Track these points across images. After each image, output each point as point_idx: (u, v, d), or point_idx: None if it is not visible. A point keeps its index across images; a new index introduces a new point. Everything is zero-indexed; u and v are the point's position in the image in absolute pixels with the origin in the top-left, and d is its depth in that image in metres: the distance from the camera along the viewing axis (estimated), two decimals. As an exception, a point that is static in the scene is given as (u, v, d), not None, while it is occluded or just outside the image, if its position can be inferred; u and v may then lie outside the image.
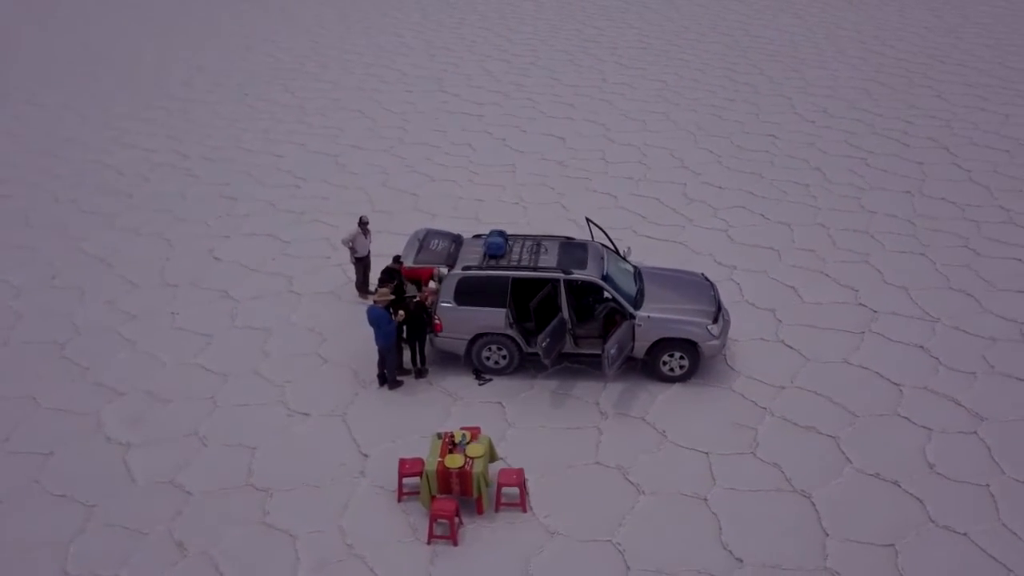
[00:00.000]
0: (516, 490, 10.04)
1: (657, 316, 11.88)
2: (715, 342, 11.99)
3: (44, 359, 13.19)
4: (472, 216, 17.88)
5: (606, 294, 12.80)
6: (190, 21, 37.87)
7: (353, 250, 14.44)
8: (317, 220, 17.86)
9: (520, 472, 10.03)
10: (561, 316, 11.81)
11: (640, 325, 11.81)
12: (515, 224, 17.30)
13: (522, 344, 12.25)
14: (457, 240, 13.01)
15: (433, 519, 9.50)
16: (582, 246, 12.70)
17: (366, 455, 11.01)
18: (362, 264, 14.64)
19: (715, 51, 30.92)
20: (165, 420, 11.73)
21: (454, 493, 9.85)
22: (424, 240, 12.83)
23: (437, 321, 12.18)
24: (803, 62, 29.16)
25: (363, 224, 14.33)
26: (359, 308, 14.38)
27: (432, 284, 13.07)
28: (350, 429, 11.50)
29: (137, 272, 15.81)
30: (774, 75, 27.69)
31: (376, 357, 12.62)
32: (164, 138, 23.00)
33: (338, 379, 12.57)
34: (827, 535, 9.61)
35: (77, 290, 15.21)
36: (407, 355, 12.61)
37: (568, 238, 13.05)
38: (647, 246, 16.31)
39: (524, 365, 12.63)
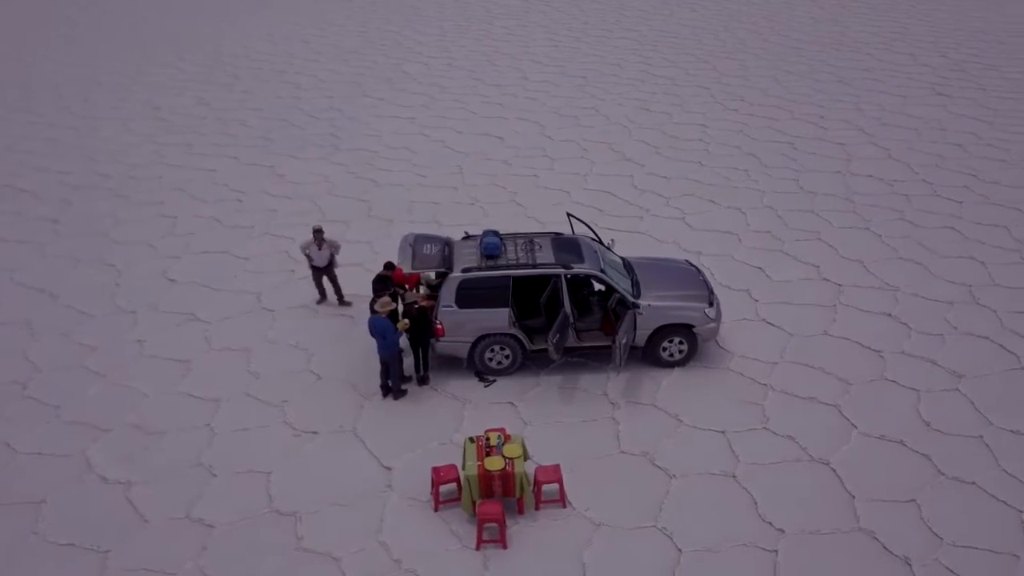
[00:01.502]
0: (555, 486, 10.05)
1: (657, 304, 12.14)
2: (713, 325, 12.37)
3: (7, 402, 12.14)
4: (431, 219, 17.67)
5: (597, 286, 13.02)
6: (81, 32, 35.53)
7: (309, 258, 14.08)
8: (268, 233, 17.19)
9: (557, 468, 10.03)
10: (564, 311, 11.87)
11: (642, 314, 12.03)
12: (478, 224, 17.23)
13: (525, 342, 12.24)
14: (448, 243, 12.84)
15: (482, 523, 9.37)
16: (574, 241, 12.80)
17: (389, 467, 10.73)
18: (320, 273, 14.24)
19: (626, 46, 31.72)
20: (163, 453, 11.03)
21: (496, 495, 9.76)
22: (415, 245, 12.59)
23: (439, 326, 12.00)
24: (711, 54, 30.33)
25: (317, 233, 13.94)
26: (340, 320, 14.00)
27: (422, 290, 12.91)
28: (365, 443, 11.17)
29: (86, 301, 14.76)
30: (688, 67, 28.68)
31: (377, 368, 12.36)
32: (78, 158, 21.53)
33: (337, 394, 12.18)
34: (853, 497, 10.10)
35: (24, 325, 14.05)
36: (408, 362, 12.36)
37: (557, 233, 13.13)
38: (612, 238, 16.58)
39: (525, 363, 12.62)
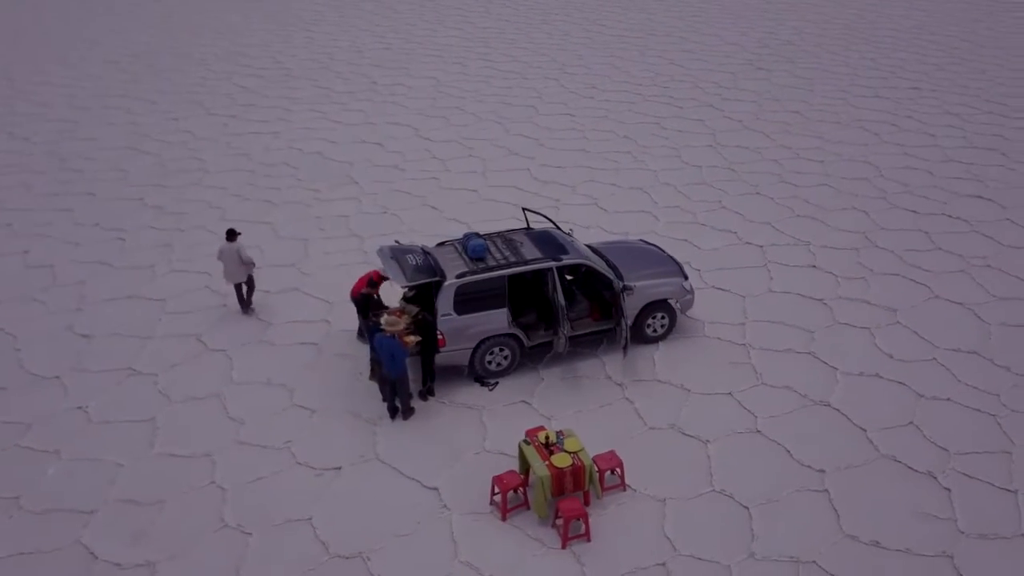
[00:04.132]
0: (617, 472, 10.19)
1: (642, 284, 12.57)
2: (690, 296, 13.03)
3: (-53, 504, 10.21)
4: (348, 233, 16.91)
5: (567, 273, 13.21)
6: None
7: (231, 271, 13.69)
8: (174, 270, 15.62)
9: (613, 453, 10.17)
10: (560, 303, 11.96)
11: (632, 295, 12.40)
12: (399, 233, 16.78)
13: (524, 340, 12.20)
14: (426, 251, 12.44)
15: (568, 521, 9.31)
16: (550, 234, 12.91)
17: (434, 487, 10.31)
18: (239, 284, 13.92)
19: (458, 44, 31.96)
20: (175, 523, 9.83)
21: (567, 491, 9.73)
22: (398, 257, 12.07)
23: (440, 336, 11.64)
24: (542, 46, 31.37)
25: (232, 236, 13.58)
26: (304, 349, 13.12)
27: (403, 305, 12.45)
28: (397, 468, 10.63)
29: (-12, 373, 12.70)
30: (528, 61, 29.49)
31: (371, 390, 11.83)
32: None
33: (341, 425, 11.46)
34: (864, 430, 11.15)
35: (-80, 413, 11.83)
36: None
37: (528, 228, 13.17)
38: (570, 228, 16.79)
39: (521, 361, 12.55)
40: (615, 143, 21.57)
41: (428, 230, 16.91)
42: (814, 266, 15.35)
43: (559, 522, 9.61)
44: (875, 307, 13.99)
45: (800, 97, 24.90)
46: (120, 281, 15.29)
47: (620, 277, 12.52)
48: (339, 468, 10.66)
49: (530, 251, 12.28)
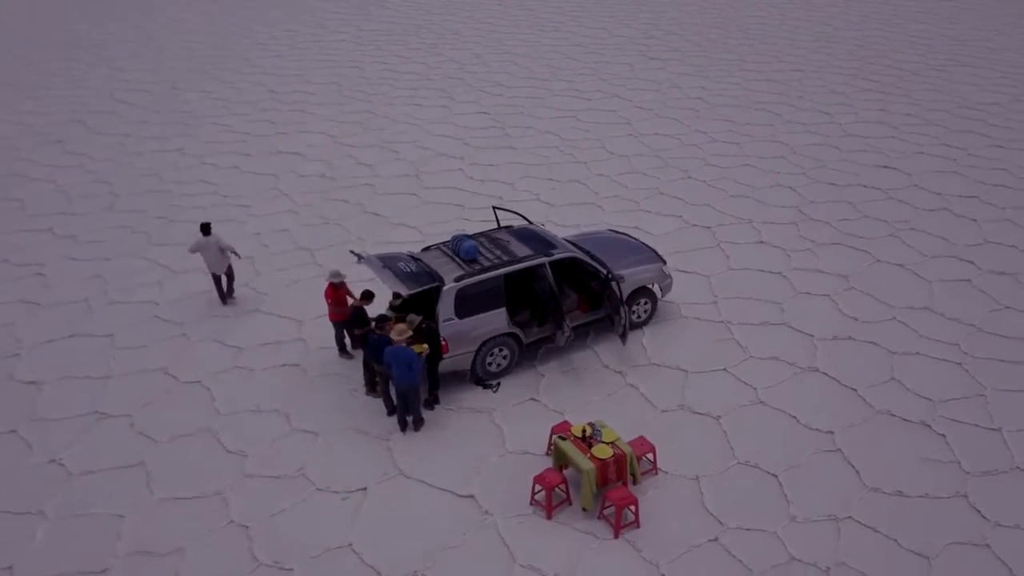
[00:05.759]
0: (650, 456, 10.34)
1: (628, 272, 12.79)
2: (670, 280, 13.38)
3: (-71, 584, 9.01)
4: (296, 247, 16.19)
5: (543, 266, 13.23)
6: None
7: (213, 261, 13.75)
8: (115, 302, 14.45)
9: (644, 439, 10.31)
10: (556, 297, 11.98)
11: (623, 283, 12.58)
12: (351, 242, 16.24)
13: (523, 338, 12.13)
14: (415, 257, 12.11)
15: (620, 510, 9.36)
16: (532, 230, 12.89)
17: (470, 495, 10.09)
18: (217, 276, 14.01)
19: (347, 48, 31.22)
20: (204, 569, 9.10)
21: (611, 482, 9.78)
22: (391, 267, 11.66)
23: (443, 342, 11.38)
24: (432, 47, 31.14)
25: (206, 229, 13.65)
26: (287, 372, 12.49)
27: (390, 313, 12.08)
28: (425, 481, 10.32)
29: (-73, 436, 11.28)
30: (426, 62, 29.20)
31: (372, 405, 11.46)
32: None
33: (353, 445, 10.98)
34: (855, 390, 11.83)
35: None
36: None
37: (508, 226, 13.08)
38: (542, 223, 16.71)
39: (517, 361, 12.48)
40: (539, 138, 21.75)
41: (378, 237, 16.46)
42: (762, 242, 16.12)
43: (607, 512, 9.67)
44: (828, 275, 14.87)
45: (698, 84, 26.01)
46: (54, 320, 13.98)
47: (606, 268, 12.69)
48: (364, 488, 10.23)
49: (519, 248, 12.22)
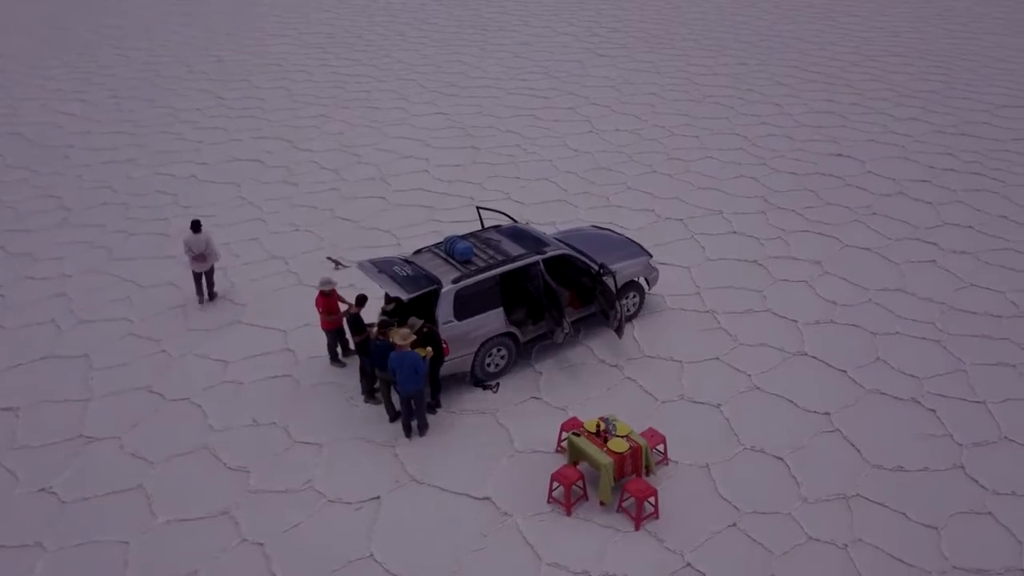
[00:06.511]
0: (661, 447, 10.44)
1: (619, 266, 12.89)
2: (656, 272, 13.53)
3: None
4: (265, 257, 15.82)
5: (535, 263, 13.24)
6: None
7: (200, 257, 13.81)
8: (83, 322, 13.86)
9: (654, 430, 10.40)
10: (554, 294, 11.99)
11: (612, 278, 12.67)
12: (322, 250, 15.94)
13: (520, 336, 12.10)
14: (408, 261, 11.94)
15: (641, 502, 9.42)
16: (521, 228, 12.87)
17: (486, 497, 10.02)
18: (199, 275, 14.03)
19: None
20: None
21: (627, 474, 9.85)
22: (389, 272, 11.46)
23: (444, 345, 11.27)
24: (360, 52, 30.82)
25: (197, 227, 13.74)
26: (279, 384, 12.19)
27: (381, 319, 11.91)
28: (438, 486, 10.20)
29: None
30: (338, 69, 28.88)
31: (373, 412, 11.28)
32: None
33: (359, 454, 10.77)
34: (844, 372, 12.19)
35: None
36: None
37: (497, 226, 13.03)
38: (527, 221, 16.63)
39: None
40: (500, 137, 21.74)
41: (352, 242, 16.19)
42: (735, 232, 16.45)
43: (626, 504, 9.73)
44: (802, 262, 15.27)
45: (650, 79, 26.39)
46: (20, 342, 13.33)
47: (598, 263, 12.76)
48: (377, 498, 10.06)
49: (512, 247, 12.19)
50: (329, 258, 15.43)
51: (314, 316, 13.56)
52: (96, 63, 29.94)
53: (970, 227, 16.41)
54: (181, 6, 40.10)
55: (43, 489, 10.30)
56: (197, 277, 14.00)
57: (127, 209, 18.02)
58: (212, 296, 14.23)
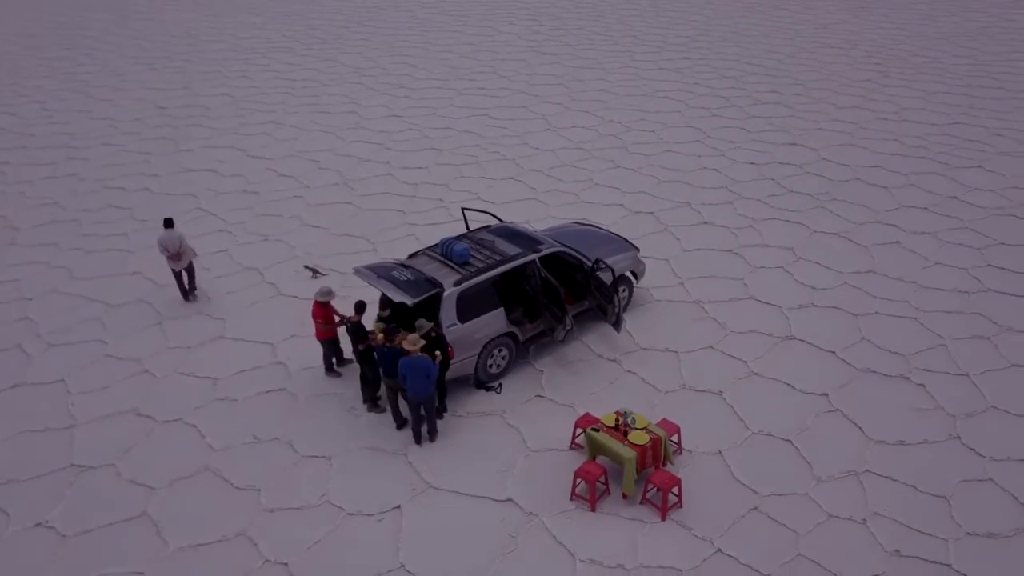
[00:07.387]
0: (675, 437, 10.54)
1: (610, 260, 12.96)
2: (643, 265, 13.67)
3: None
4: (244, 267, 15.34)
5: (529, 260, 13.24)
6: None
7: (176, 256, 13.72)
8: (55, 345, 13.17)
9: (667, 420, 10.51)
10: (555, 291, 11.98)
11: (606, 273, 12.74)
12: (300, 258, 15.55)
13: (520, 335, 12.05)
14: (404, 265, 11.73)
15: (666, 492, 9.50)
16: (513, 228, 12.82)
17: (508, 499, 9.94)
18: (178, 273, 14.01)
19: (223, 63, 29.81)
20: (253, 615, 8.51)
21: (648, 466, 9.92)
22: (389, 277, 11.23)
23: (450, 348, 11.12)
24: (324, 56, 30.26)
25: (170, 223, 13.70)
26: (275, 398, 11.83)
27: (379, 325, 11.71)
28: (458, 491, 10.07)
29: None
30: (310, 74, 28.33)
31: (381, 421, 11.07)
32: None
33: (372, 464, 10.55)
34: (833, 352, 12.56)
35: None
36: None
37: (487, 226, 12.93)
38: (512, 221, 16.51)
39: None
40: (459, 138, 21.61)
41: (326, 250, 15.84)
42: (706, 223, 16.77)
43: (651, 496, 9.80)
44: (775, 248, 15.67)
45: (597, 76, 26.66)
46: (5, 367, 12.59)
47: (590, 259, 12.81)
48: (398, 507, 9.87)
49: (507, 247, 12.13)
50: (306, 267, 15.05)
51: (302, 327, 13.22)
52: (20, 74, 28.46)
53: (926, 208, 17.13)
54: (98, 11, 38.51)
55: (39, 524, 9.74)
56: (177, 275, 14.04)
57: (79, 225, 17.20)
58: (193, 289, 14.21)
